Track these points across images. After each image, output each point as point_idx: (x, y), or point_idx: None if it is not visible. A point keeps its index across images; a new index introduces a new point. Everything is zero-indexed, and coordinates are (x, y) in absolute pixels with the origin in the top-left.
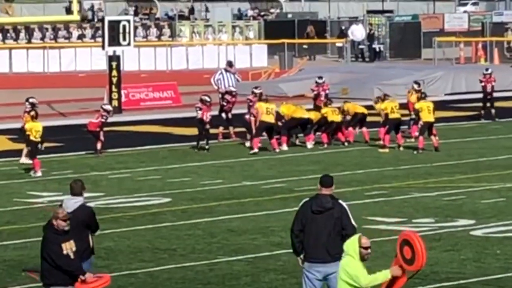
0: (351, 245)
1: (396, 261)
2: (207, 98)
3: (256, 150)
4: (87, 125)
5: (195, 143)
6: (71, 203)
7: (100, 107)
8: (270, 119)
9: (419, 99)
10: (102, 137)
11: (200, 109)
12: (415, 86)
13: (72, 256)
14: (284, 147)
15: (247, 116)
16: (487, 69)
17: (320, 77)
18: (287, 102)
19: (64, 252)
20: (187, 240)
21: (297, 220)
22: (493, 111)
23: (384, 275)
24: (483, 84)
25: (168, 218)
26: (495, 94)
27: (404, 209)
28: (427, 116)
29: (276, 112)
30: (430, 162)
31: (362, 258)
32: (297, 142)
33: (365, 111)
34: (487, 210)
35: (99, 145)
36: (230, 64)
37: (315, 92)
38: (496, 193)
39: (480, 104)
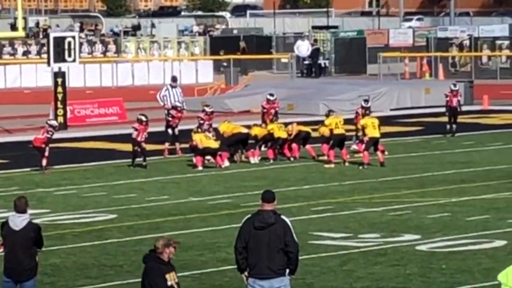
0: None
1: None
2: (143, 118)
3: (200, 167)
4: (33, 141)
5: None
6: (19, 220)
7: (45, 122)
8: (212, 144)
9: (363, 115)
10: (47, 153)
11: (136, 129)
12: (363, 104)
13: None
14: (226, 163)
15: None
16: (454, 85)
17: (271, 94)
18: (227, 120)
19: (169, 283)
20: (133, 256)
21: (240, 237)
22: (454, 126)
23: None
24: (448, 98)
25: (114, 235)
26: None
27: (349, 224)
28: (373, 131)
29: (215, 129)
30: (375, 177)
31: None
32: (243, 158)
33: (310, 131)
34: (433, 225)
35: (44, 162)
36: (174, 79)
37: (264, 111)
38: (441, 208)
39: (446, 120)
